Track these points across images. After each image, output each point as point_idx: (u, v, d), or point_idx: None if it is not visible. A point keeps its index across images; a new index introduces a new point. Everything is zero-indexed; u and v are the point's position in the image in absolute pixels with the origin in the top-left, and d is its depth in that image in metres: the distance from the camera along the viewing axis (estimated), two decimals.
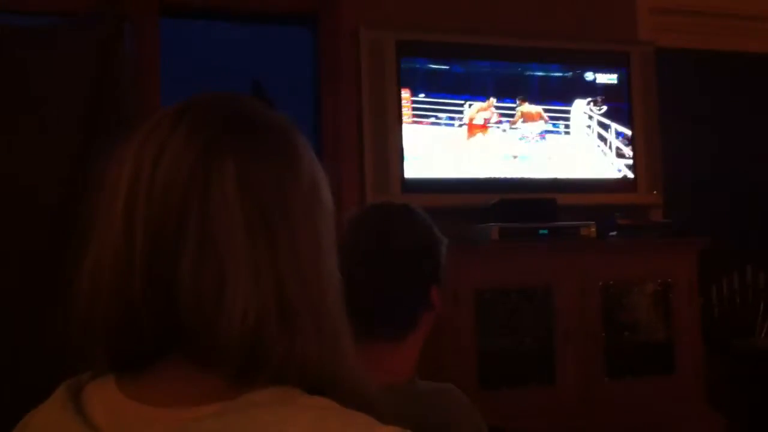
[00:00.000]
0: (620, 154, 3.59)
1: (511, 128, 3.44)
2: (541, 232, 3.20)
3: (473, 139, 3.38)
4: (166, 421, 0.73)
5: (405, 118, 3.28)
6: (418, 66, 3.34)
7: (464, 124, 3.36)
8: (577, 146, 3.53)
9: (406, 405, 1.45)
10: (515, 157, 3.43)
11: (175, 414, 0.73)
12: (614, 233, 3.37)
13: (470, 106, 3.38)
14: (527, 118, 3.47)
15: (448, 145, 3.34)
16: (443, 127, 3.34)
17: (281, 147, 0.80)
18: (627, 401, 3.16)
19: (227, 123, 0.79)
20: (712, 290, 3.79)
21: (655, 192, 3.60)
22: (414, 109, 3.31)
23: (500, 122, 3.42)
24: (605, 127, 3.58)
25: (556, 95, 3.52)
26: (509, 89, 3.45)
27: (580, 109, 3.55)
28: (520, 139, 3.45)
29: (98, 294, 0.76)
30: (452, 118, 3.36)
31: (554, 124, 3.50)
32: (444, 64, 3.38)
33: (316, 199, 0.81)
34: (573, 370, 3.13)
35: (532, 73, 3.51)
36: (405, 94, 3.29)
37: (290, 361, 0.74)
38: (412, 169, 3.27)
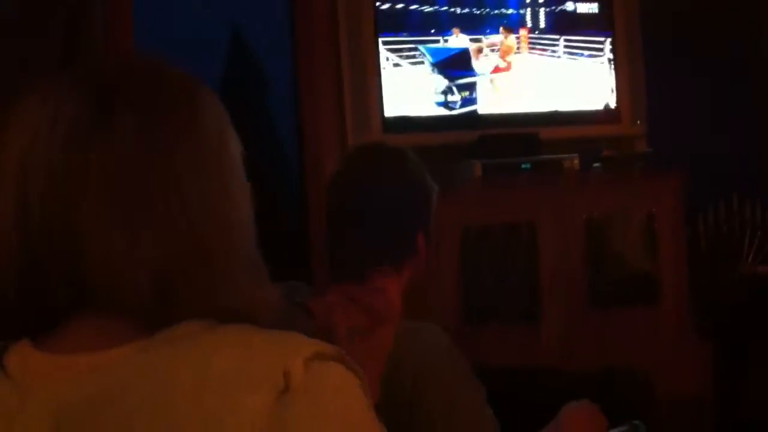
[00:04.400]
0: (603, 85, 3.55)
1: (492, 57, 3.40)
2: (523, 166, 3.18)
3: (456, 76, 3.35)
4: (80, 365, 0.75)
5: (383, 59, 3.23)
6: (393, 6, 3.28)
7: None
8: (560, 78, 3.49)
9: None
10: (497, 90, 3.40)
11: (89, 358, 0.75)
12: (598, 165, 3.35)
13: (446, 41, 3.34)
14: (508, 51, 3.42)
15: (428, 82, 3.30)
16: (421, 66, 3.29)
17: (183, 100, 0.82)
18: (613, 333, 3.17)
19: (123, 78, 0.80)
20: (699, 220, 3.78)
21: (638, 122, 3.57)
22: (394, 50, 3.25)
23: (486, 56, 3.38)
24: (587, 57, 3.54)
25: (537, 26, 3.46)
26: (489, 23, 3.39)
27: (562, 39, 3.50)
28: (502, 72, 3.41)
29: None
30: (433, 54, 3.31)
31: (538, 54, 3.46)
32: (420, 4, 3.31)
33: (223, 151, 0.82)
34: (558, 303, 3.13)
35: (511, 6, 3.45)
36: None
37: (208, 299, 0.76)
38: (392, 108, 3.23)
